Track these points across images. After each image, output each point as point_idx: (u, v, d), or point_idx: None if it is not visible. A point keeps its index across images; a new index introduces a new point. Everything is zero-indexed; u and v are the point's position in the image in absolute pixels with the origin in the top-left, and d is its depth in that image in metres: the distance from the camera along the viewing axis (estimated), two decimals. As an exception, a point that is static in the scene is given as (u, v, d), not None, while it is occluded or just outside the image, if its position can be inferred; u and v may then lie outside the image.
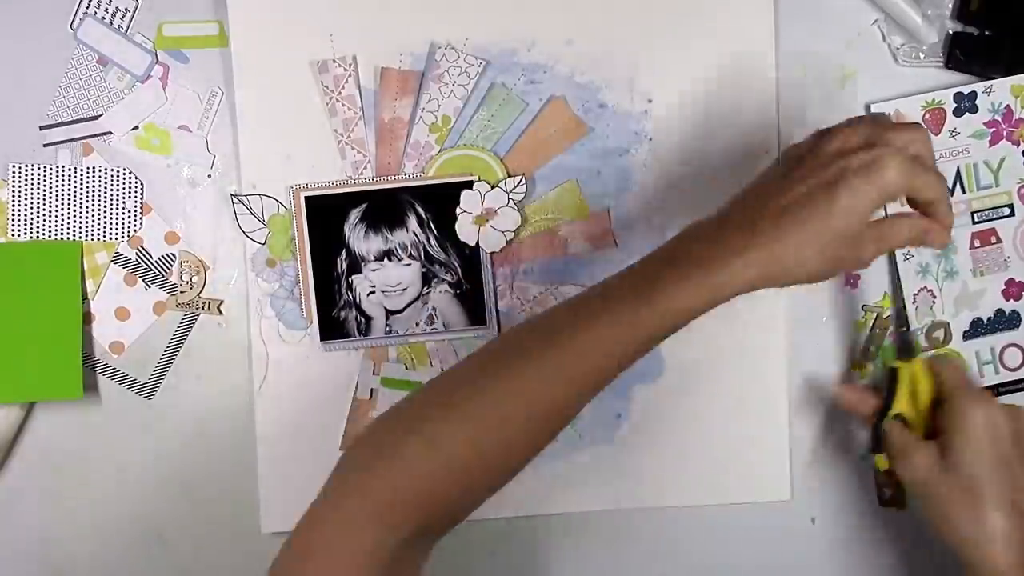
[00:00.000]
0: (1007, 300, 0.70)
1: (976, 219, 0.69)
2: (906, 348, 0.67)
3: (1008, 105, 0.68)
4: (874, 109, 0.69)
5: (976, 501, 0.58)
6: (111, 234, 0.69)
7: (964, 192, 0.69)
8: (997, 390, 0.70)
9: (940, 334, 0.70)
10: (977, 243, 0.69)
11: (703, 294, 0.51)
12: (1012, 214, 0.69)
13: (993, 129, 0.69)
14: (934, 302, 0.70)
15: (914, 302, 0.69)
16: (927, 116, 0.69)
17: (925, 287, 0.69)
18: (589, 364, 0.52)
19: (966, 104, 0.68)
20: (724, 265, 0.50)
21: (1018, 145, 0.69)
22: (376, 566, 0.50)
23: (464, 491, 0.54)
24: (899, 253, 0.69)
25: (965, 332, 0.70)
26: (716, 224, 0.54)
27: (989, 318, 0.70)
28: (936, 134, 0.69)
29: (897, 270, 0.69)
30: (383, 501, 0.51)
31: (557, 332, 0.53)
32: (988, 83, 0.68)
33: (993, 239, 0.70)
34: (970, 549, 0.58)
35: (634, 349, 0.53)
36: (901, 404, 0.62)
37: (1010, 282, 0.70)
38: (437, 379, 0.56)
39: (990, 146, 0.69)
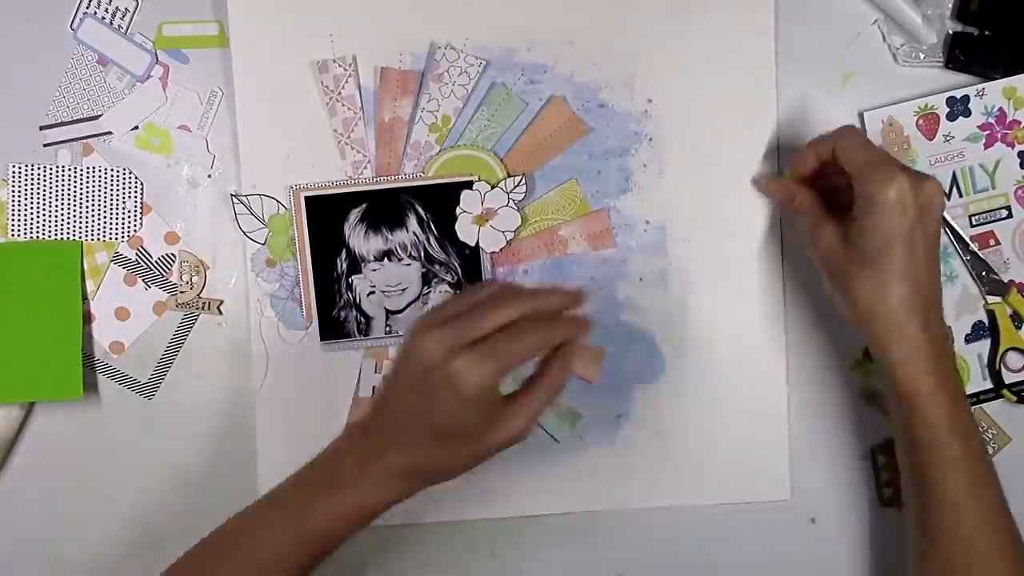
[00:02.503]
0: (1021, 352, 0.70)
1: (974, 222, 0.69)
2: (997, 289, 0.67)
3: (1001, 108, 0.69)
4: (867, 117, 0.69)
5: (879, 273, 0.57)
6: (111, 234, 0.69)
7: (961, 196, 0.69)
8: (1000, 393, 0.70)
9: None
10: (976, 246, 0.69)
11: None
12: (1010, 216, 0.69)
13: (987, 132, 0.69)
14: None
15: None
16: (921, 121, 0.69)
17: None
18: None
19: (959, 108, 0.68)
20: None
21: (1013, 147, 0.69)
22: None
23: None
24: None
25: (967, 336, 0.70)
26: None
27: (1002, 372, 0.70)
28: (930, 139, 0.69)
29: None
30: None
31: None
32: (981, 86, 0.68)
33: (992, 241, 0.70)
34: (874, 322, 0.58)
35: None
36: (1009, 339, 0.63)
37: (1011, 284, 0.70)
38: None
39: (985, 149, 0.69)
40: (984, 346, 0.70)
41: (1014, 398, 0.67)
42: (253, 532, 0.57)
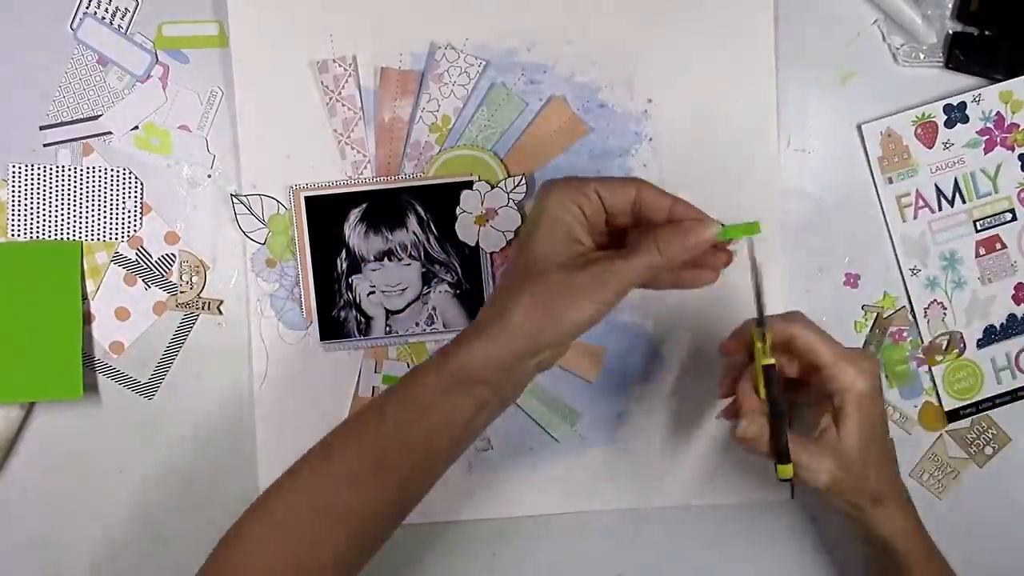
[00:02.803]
0: (1018, 304, 0.70)
1: (979, 227, 0.69)
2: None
3: (999, 112, 0.69)
4: (865, 129, 0.69)
5: (884, 461, 0.59)
6: (111, 234, 0.69)
7: (964, 202, 0.69)
8: (1016, 395, 0.71)
9: (951, 344, 0.70)
10: (982, 251, 0.69)
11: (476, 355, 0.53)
12: (1014, 219, 0.69)
13: (986, 137, 0.69)
14: (945, 314, 0.70)
15: (925, 316, 0.70)
16: (919, 130, 0.69)
17: (935, 300, 0.69)
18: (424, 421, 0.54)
19: (956, 115, 0.69)
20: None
21: (1013, 150, 0.69)
22: None
23: (310, 562, 0.54)
24: (906, 268, 0.69)
25: (979, 340, 0.70)
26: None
27: (1002, 324, 0.70)
28: (930, 147, 0.69)
29: (906, 285, 0.69)
30: None
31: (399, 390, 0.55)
32: (977, 92, 0.68)
33: (998, 245, 0.70)
34: (887, 500, 0.60)
35: (455, 414, 0.54)
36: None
37: (1019, 286, 0.70)
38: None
39: (985, 154, 0.69)
40: (998, 350, 0.70)
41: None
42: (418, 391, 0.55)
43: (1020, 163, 0.69)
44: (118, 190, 0.69)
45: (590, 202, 0.54)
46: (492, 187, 0.68)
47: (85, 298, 0.69)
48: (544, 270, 0.52)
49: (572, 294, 0.52)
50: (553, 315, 0.52)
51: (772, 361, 0.57)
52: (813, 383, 0.59)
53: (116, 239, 0.69)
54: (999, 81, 0.68)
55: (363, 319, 0.69)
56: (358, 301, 0.69)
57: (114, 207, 0.69)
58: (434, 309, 0.69)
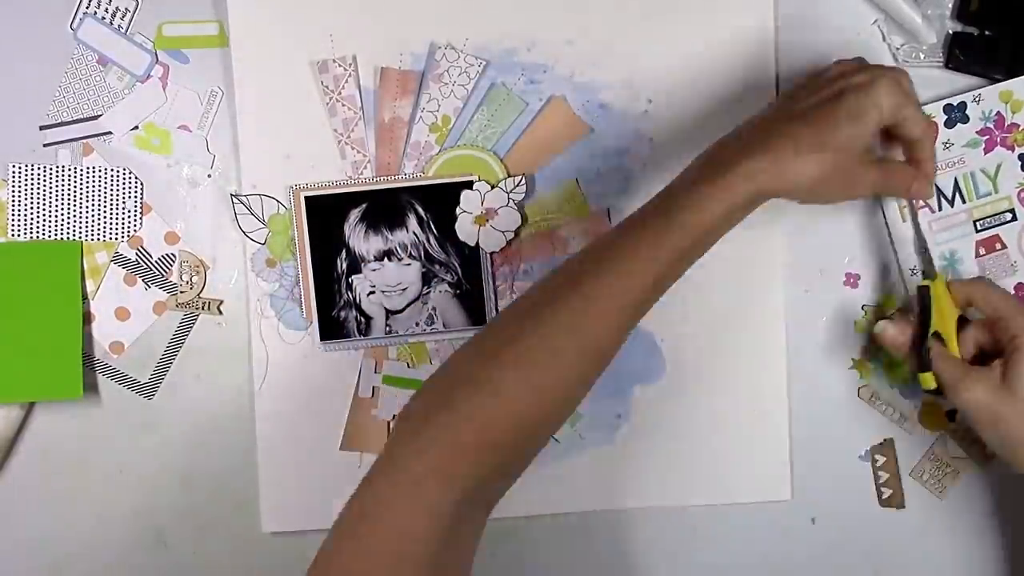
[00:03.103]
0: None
1: (979, 227, 0.69)
2: (927, 268, 0.66)
3: (999, 112, 0.68)
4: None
5: None
6: (111, 234, 0.69)
7: (964, 202, 0.69)
8: None
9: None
10: (982, 251, 0.69)
11: (713, 202, 0.54)
12: (1015, 219, 0.69)
13: (986, 137, 0.69)
14: None
15: None
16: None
17: None
18: (631, 288, 0.54)
19: (956, 115, 0.68)
20: (732, 169, 0.55)
21: (1013, 150, 0.69)
22: (437, 528, 0.49)
23: (521, 435, 0.53)
24: (906, 268, 0.69)
25: None
26: (733, 138, 0.59)
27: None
28: None
29: (906, 285, 0.69)
30: (443, 454, 0.50)
31: (601, 260, 0.55)
32: (977, 92, 0.68)
33: (998, 245, 0.69)
34: None
35: (668, 268, 0.55)
36: (937, 323, 0.63)
37: (1019, 286, 0.69)
38: (486, 326, 0.58)
39: (985, 154, 0.69)
40: None
41: (933, 385, 0.62)
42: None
43: (1020, 163, 0.69)
44: (118, 190, 0.69)
45: (905, 122, 0.59)
46: (492, 187, 0.68)
47: (85, 298, 0.69)
48: (849, 149, 0.57)
49: (857, 180, 0.59)
50: (835, 187, 0.58)
51: (926, 283, 0.64)
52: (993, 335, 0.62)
53: (116, 239, 0.69)
54: (999, 81, 0.68)
55: (363, 319, 0.69)
56: (358, 301, 0.69)
57: (114, 207, 0.69)
58: (434, 309, 0.69)
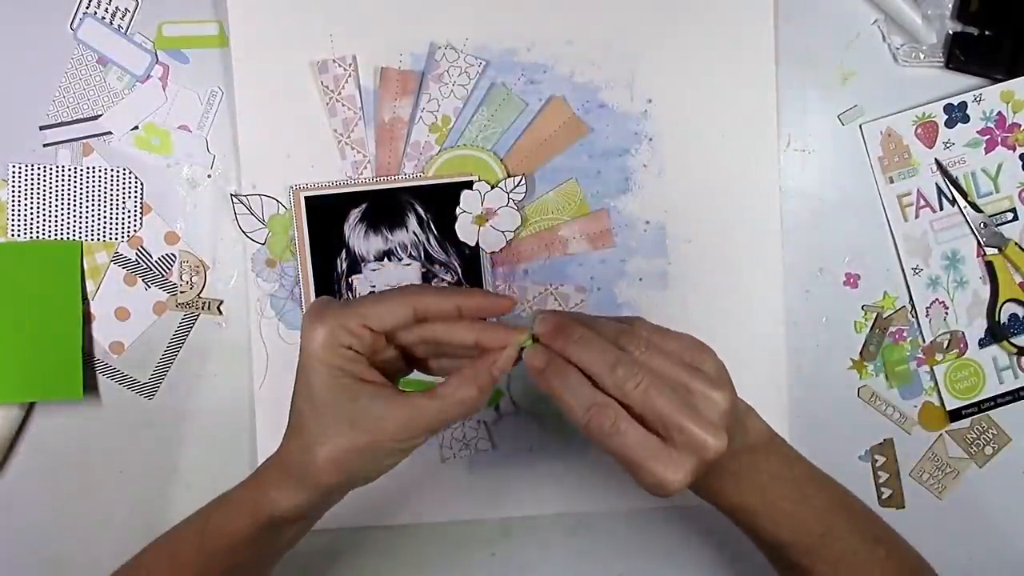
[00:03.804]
0: (1020, 304, 0.70)
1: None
2: (997, 242, 0.68)
3: (1000, 112, 0.69)
4: (866, 128, 0.69)
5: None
6: (111, 234, 0.69)
7: (966, 201, 0.69)
8: (1017, 394, 0.71)
9: (952, 343, 0.70)
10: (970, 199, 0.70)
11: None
12: (1016, 218, 0.69)
13: (987, 137, 0.69)
14: (947, 313, 0.70)
15: (927, 315, 0.70)
16: (919, 130, 0.69)
17: (937, 299, 0.69)
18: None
19: (957, 115, 0.68)
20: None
21: (1014, 150, 0.69)
22: None
23: None
24: (908, 267, 0.69)
25: (981, 340, 0.70)
26: None
27: (1003, 323, 0.70)
28: (930, 147, 0.69)
29: (908, 284, 0.69)
30: None
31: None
32: (978, 92, 0.68)
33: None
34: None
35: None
36: (1008, 290, 0.64)
37: (1021, 285, 0.70)
38: None
39: (986, 154, 0.69)
40: (1000, 349, 0.70)
41: (1013, 348, 0.69)
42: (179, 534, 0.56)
43: (1021, 163, 0.69)
44: (118, 190, 0.69)
45: (362, 340, 0.49)
46: (492, 187, 0.68)
47: (85, 298, 0.69)
48: (343, 426, 0.48)
49: (379, 450, 0.49)
50: (362, 471, 0.50)
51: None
52: None
53: (116, 239, 0.69)
54: (999, 81, 0.68)
55: (363, 319, 0.69)
56: (358, 301, 0.69)
57: (114, 207, 0.69)
58: (434, 309, 0.69)
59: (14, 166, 0.68)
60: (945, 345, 0.70)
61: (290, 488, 0.51)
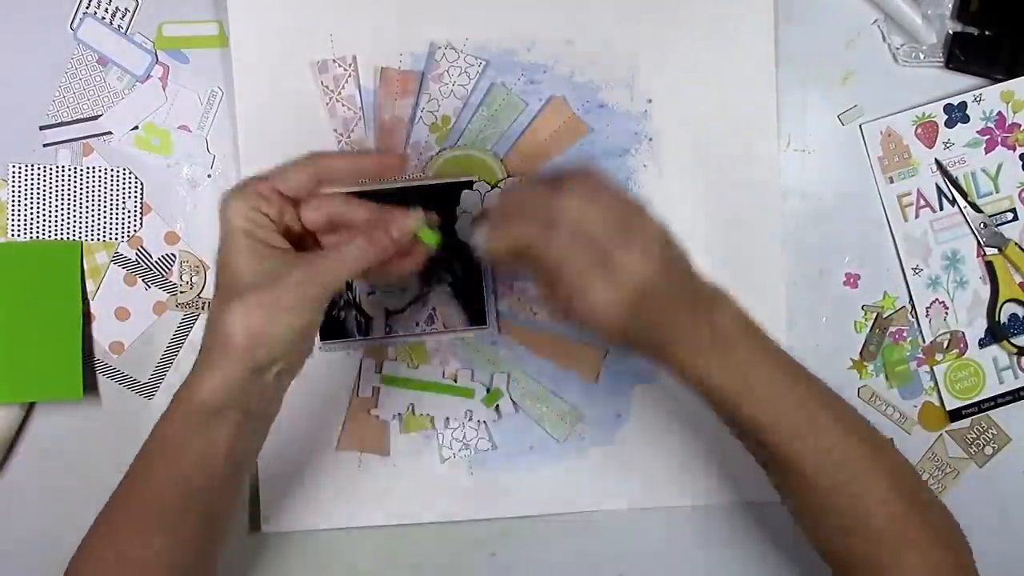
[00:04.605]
0: (1020, 304, 0.70)
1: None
2: (997, 242, 0.69)
3: (1000, 112, 0.69)
4: (866, 128, 0.69)
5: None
6: (111, 234, 0.69)
7: (966, 201, 0.69)
8: (1018, 394, 0.71)
9: (952, 343, 0.70)
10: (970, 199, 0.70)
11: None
12: (1016, 218, 0.69)
13: (987, 137, 0.69)
14: (947, 313, 0.70)
15: (927, 315, 0.70)
16: (919, 130, 0.69)
17: (937, 299, 0.69)
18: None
19: (957, 115, 0.69)
20: None
21: (1014, 150, 0.69)
22: None
23: None
24: (908, 267, 0.69)
25: (981, 340, 0.70)
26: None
27: (1003, 323, 0.70)
28: (930, 147, 0.69)
29: (908, 284, 0.69)
30: None
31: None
32: (978, 92, 0.68)
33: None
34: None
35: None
36: (1008, 290, 0.64)
37: (1020, 285, 0.70)
38: None
39: (986, 154, 0.69)
40: (1000, 349, 0.70)
41: (1013, 348, 0.69)
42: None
43: (1021, 163, 0.69)
44: (118, 190, 0.69)
45: (270, 203, 0.53)
46: (492, 187, 0.68)
47: (85, 298, 0.69)
48: (248, 284, 0.51)
49: (281, 304, 0.51)
50: (268, 329, 0.51)
51: None
52: None
53: (116, 239, 0.69)
54: (999, 81, 0.68)
55: (363, 319, 0.69)
56: (358, 301, 0.69)
57: (114, 207, 0.69)
58: (434, 309, 0.69)
59: (14, 166, 0.68)
60: (945, 345, 0.70)
61: (210, 368, 0.52)
